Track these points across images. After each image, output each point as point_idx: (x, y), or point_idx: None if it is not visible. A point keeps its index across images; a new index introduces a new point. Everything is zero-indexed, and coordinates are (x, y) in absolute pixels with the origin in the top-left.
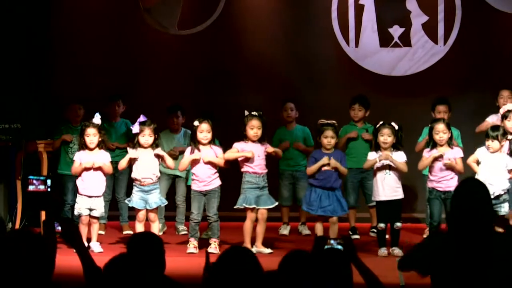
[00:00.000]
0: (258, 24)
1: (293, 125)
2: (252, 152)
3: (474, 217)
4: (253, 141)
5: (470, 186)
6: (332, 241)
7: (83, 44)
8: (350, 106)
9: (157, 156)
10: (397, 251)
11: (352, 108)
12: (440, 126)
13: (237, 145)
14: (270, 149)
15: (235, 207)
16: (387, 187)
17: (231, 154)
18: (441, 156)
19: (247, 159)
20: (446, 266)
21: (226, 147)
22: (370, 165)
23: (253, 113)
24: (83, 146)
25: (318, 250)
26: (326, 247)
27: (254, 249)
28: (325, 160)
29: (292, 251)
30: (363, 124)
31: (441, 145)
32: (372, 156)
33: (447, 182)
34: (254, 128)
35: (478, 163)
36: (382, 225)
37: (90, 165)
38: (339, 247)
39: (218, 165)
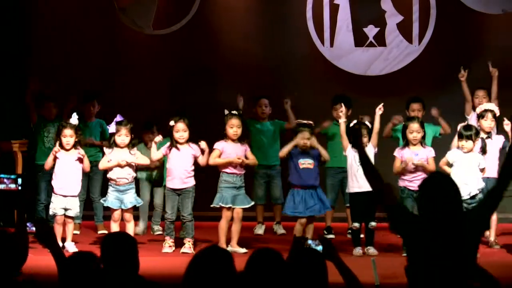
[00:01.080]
0: (233, 24)
1: (265, 121)
2: (239, 159)
3: (442, 210)
4: (233, 140)
5: (437, 180)
6: (310, 242)
7: (58, 44)
8: (332, 106)
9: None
10: (372, 250)
11: (334, 108)
12: (415, 126)
13: (217, 145)
14: (249, 161)
15: (211, 205)
16: (361, 179)
17: (219, 160)
18: (415, 154)
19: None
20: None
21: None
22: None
23: (233, 112)
24: (60, 145)
25: (296, 251)
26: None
27: (229, 249)
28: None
29: (258, 250)
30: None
31: (414, 144)
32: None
33: (419, 182)
34: (233, 127)
35: (449, 165)
36: (356, 224)
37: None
38: (319, 247)
39: (200, 163)
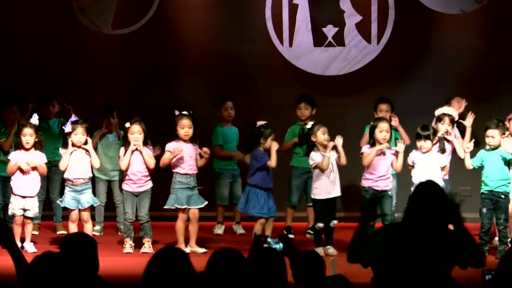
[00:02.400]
0: (192, 23)
1: (230, 124)
2: (181, 149)
3: (430, 218)
4: (185, 141)
5: (428, 188)
6: (270, 240)
7: (19, 44)
8: (296, 106)
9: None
10: (331, 250)
11: (299, 107)
12: (384, 125)
13: (169, 146)
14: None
15: (165, 207)
16: (331, 184)
17: (165, 159)
18: (383, 153)
19: (179, 159)
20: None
21: (162, 145)
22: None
23: (184, 112)
24: (19, 146)
25: (257, 249)
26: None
27: (188, 249)
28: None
29: (219, 250)
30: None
31: (382, 144)
32: (317, 157)
33: (384, 182)
34: (184, 127)
35: (412, 166)
36: (320, 224)
37: (25, 168)
38: (278, 246)
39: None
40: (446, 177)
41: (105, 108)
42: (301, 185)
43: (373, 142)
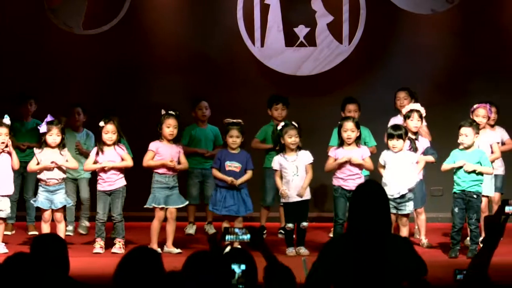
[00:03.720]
0: (164, 23)
1: (205, 124)
2: (171, 162)
3: (372, 219)
4: (168, 140)
5: (369, 188)
6: (237, 231)
7: None
8: (272, 106)
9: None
10: (303, 250)
11: (275, 108)
12: (349, 125)
13: (152, 146)
14: (180, 167)
15: (145, 206)
16: (295, 188)
17: (152, 163)
18: (347, 162)
19: (160, 159)
20: (346, 270)
21: (133, 146)
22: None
23: (170, 112)
24: None
25: (214, 247)
26: (230, 237)
27: (164, 249)
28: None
29: (196, 252)
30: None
31: (349, 144)
32: (276, 162)
33: (354, 182)
34: (170, 126)
35: (383, 167)
36: (290, 225)
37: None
38: (246, 237)
39: (126, 167)
40: (421, 177)
41: (70, 105)
42: (274, 185)
43: (340, 142)
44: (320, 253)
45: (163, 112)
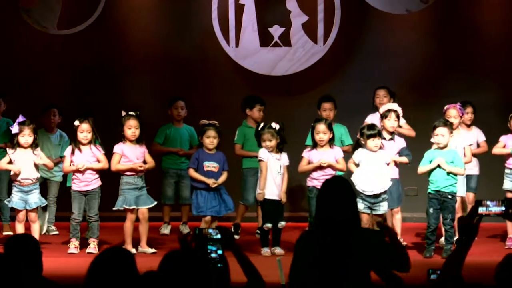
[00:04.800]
0: (139, 23)
1: (181, 123)
2: (140, 167)
3: (338, 214)
4: (131, 141)
5: (334, 183)
6: (210, 231)
7: None
8: (251, 107)
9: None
10: (278, 250)
11: (259, 109)
12: (321, 127)
13: (117, 149)
14: (147, 166)
15: (114, 208)
16: (277, 187)
17: (120, 167)
18: (321, 167)
19: (126, 161)
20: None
21: (108, 147)
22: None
23: (130, 113)
24: None
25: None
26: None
27: (139, 250)
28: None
29: (171, 251)
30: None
31: (322, 146)
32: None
33: None
34: (131, 127)
35: (357, 165)
36: (269, 225)
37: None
38: (218, 236)
39: (102, 168)
40: (397, 176)
41: (45, 107)
42: (254, 185)
43: (314, 144)
44: (294, 252)
45: (123, 113)
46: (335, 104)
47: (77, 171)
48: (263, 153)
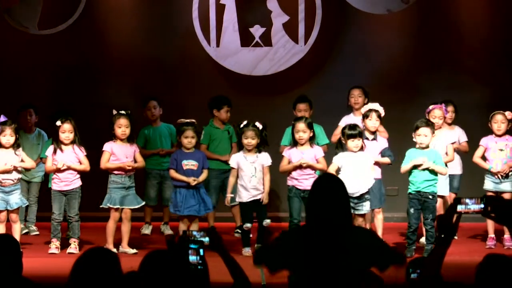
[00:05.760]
0: (120, 24)
1: (158, 122)
2: (129, 164)
3: (331, 212)
4: (122, 140)
5: (327, 182)
6: (195, 233)
7: None
8: (219, 108)
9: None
10: None
11: (225, 110)
12: (301, 125)
13: (106, 147)
14: (137, 165)
15: (101, 206)
16: (253, 190)
17: (109, 165)
18: (301, 167)
19: (115, 159)
20: (302, 261)
21: (89, 147)
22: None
23: (121, 112)
24: None
25: (176, 247)
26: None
27: (120, 250)
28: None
29: (152, 251)
30: (225, 125)
31: (302, 144)
32: (234, 159)
33: (308, 181)
34: (122, 126)
35: (338, 169)
36: (248, 225)
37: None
38: (205, 239)
39: (84, 170)
40: (379, 176)
41: (21, 107)
42: (219, 186)
43: (294, 142)
44: (279, 236)
45: (114, 112)
46: (311, 104)
47: (58, 170)
48: (233, 160)
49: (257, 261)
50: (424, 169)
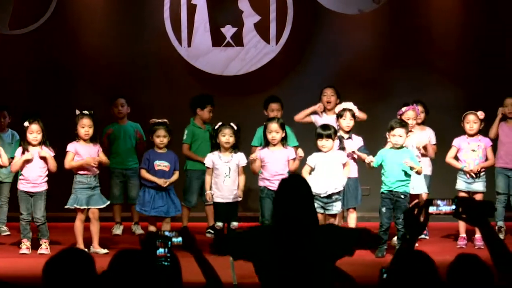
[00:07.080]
0: (91, 23)
1: (125, 121)
2: (90, 160)
3: (295, 211)
4: (85, 140)
5: (291, 181)
6: (168, 234)
7: None
8: (203, 107)
9: None
10: None
11: (209, 110)
12: (273, 126)
13: (70, 147)
14: (101, 159)
15: (66, 206)
16: (226, 190)
17: (73, 164)
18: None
19: (79, 160)
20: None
21: (60, 148)
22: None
23: (84, 112)
24: None
25: (147, 247)
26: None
27: (91, 250)
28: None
29: (121, 251)
30: (206, 125)
31: (274, 145)
32: (212, 157)
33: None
34: (85, 126)
35: (312, 169)
36: (220, 224)
37: None
38: (177, 239)
39: (50, 170)
40: (356, 175)
41: None
42: (198, 187)
43: (266, 143)
44: (247, 230)
45: (77, 112)
46: (282, 104)
47: (27, 161)
48: (208, 160)
49: (214, 252)
50: (406, 172)
